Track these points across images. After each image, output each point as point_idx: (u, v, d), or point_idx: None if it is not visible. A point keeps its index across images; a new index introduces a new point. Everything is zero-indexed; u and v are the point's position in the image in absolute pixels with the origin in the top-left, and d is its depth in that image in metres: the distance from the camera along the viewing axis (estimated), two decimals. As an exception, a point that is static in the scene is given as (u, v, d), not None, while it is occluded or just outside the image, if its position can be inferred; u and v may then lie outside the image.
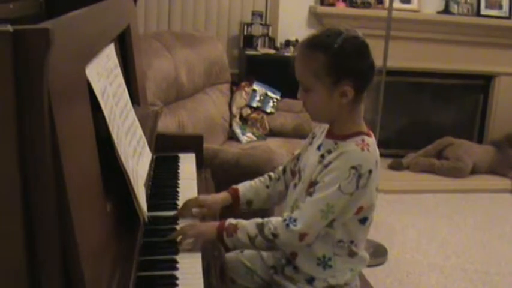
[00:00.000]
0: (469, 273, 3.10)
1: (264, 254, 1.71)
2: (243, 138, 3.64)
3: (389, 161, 4.64)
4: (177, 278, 1.27)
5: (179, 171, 1.94)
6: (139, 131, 1.57)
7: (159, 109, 2.75)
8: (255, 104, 3.88)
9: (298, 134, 3.71)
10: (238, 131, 3.69)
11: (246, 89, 3.90)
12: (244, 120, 3.82)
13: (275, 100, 3.95)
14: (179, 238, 1.44)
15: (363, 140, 1.50)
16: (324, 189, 1.47)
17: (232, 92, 3.95)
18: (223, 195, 1.72)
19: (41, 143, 0.81)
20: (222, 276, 1.50)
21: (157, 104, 2.96)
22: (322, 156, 1.54)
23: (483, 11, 4.65)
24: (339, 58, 1.45)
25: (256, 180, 1.76)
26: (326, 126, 1.61)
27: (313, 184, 1.51)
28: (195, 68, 3.55)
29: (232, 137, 3.70)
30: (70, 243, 0.87)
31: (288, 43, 4.26)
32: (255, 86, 3.93)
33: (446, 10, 4.60)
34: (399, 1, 4.46)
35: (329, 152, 1.52)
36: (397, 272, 3.07)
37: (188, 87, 3.44)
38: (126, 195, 1.28)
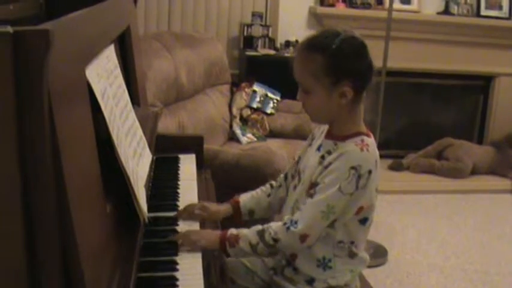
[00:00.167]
0: (469, 274, 3.10)
1: (264, 254, 1.71)
2: (243, 139, 3.64)
3: (389, 161, 4.64)
4: (177, 279, 1.27)
5: (179, 172, 1.94)
6: (140, 132, 1.57)
7: (159, 110, 2.76)
8: (255, 105, 3.88)
9: (299, 134, 3.71)
10: (238, 131, 3.69)
11: (246, 89, 3.90)
12: (244, 121, 3.82)
13: (275, 101, 3.95)
14: (180, 241, 1.44)
15: (362, 140, 1.51)
16: (325, 190, 1.47)
17: (232, 93, 3.95)
18: (225, 207, 1.72)
19: (41, 143, 0.82)
20: (222, 277, 1.50)
21: (157, 105, 2.97)
22: (322, 157, 1.54)
23: (483, 12, 4.65)
24: (337, 59, 1.46)
25: (258, 190, 1.77)
26: (325, 127, 1.61)
27: (313, 185, 1.51)
28: (195, 69, 3.55)
29: (233, 137, 3.70)
30: (70, 243, 0.87)
31: (288, 44, 4.26)
32: (255, 87, 3.93)
33: (446, 11, 4.60)
34: (399, 2, 4.46)
35: (329, 152, 1.53)
36: (397, 272, 3.07)
37: (188, 88, 3.44)
38: (126, 196, 1.28)
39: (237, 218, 1.73)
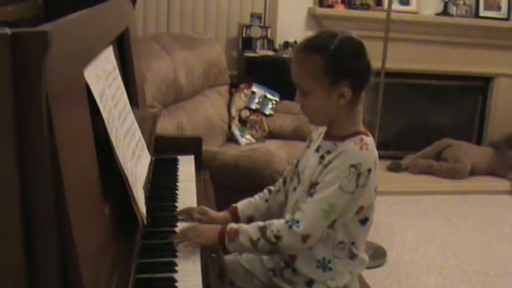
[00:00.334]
0: (468, 274, 3.10)
1: (264, 256, 1.71)
2: (242, 140, 3.64)
3: (388, 162, 4.64)
4: (176, 281, 1.27)
5: (178, 173, 1.94)
6: (138, 133, 1.57)
7: (158, 111, 2.76)
8: (254, 106, 3.88)
9: (297, 136, 3.71)
10: (237, 133, 3.69)
11: (245, 90, 3.90)
12: (243, 122, 3.82)
13: (274, 102, 3.95)
14: (176, 241, 1.44)
15: (361, 140, 1.51)
16: (325, 188, 1.47)
17: (231, 94, 3.95)
18: (223, 214, 1.70)
19: (40, 145, 0.81)
20: (221, 279, 1.50)
21: (156, 106, 2.96)
22: (322, 157, 1.54)
23: (481, 13, 4.66)
24: (336, 59, 1.46)
25: (256, 196, 1.76)
26: (323, 128, 1.62)
27: (313, 185, 1.51)
28: (194, 70, 3.55)
29: (231, 139, 3.69)
30: (68, 244, 0.87)
31: (286, 45, 4.26)
32: (254, 88, 3.93)
33: (445, 12, 4.61)
34: (398, 3, 4.47)
35: (328, 152, 1.53)
36: (396, 273, 3.07)
37: (187, 89, 3.44)
38: (124, 198, 1.28)
39: None
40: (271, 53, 4.23)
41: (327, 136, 1.58)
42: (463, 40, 4.64)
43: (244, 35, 4.24)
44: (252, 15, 4.26)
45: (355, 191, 1.47)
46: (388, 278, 3.02)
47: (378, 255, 3.18)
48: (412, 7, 4.57)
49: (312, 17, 4.45)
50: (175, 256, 1.39)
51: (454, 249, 3.40)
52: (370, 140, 1.53)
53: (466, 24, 4.59)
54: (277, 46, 4.35)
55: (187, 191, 1.81)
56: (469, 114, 5.10)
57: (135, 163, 1.43)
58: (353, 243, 1.57)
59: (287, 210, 1.63)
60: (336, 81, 1.46)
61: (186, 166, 2.01)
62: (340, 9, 4.38)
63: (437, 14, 4.63)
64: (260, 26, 4.26)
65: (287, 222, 1.48)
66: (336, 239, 1.54)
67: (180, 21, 4.19)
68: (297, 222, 1.47)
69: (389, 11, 3.31)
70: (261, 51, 4.20)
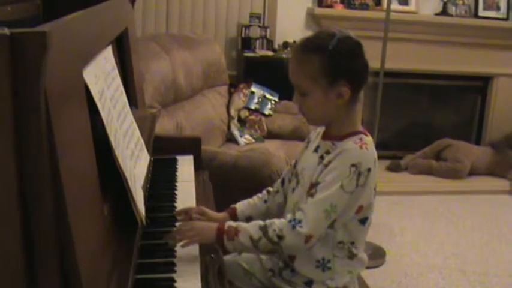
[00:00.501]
0: (468, 275, 3.10)
1: (263, 256, 1.71)
2: (241, 140, 3.63)
3: (387, 162, 4.64)
4: (175, 281, 1.27)
5: (177, 173, 1.94)
6: (137, 133, 1.57)
7: (157, 111, 2.76)
8: (253, 106, 3.88)
9: (297, 136, 3.71)
10: (236, 133, 3.69)
11: (244, 90, 3.90)
12: (242, 122, 3.81)
13: (273, 102, 3.95)
14: (172, 242, 1.43)
15: (360, 139, 1.51)
16: (326, 188, 1.46)
17: (230, 94, 3.95)
18: (222, 215, 1.70)
19: (39, 145, 0.81)
20: (220, 279, 1.50)
21: (155, 106, 2.96)
22: (322, 157, 1.54)
23: (481, 13, 4.66)
24: (334, 59, 1.46)
25: (254, 197, 1.76)
26: (321, 129, 1.62)
27: (314, 185, 1.50)
28: (193, 70, 3.55)
29: (231, 139, 3.69)
30: (67, 245, 0.87)
31: (286, 45, 4.26)
32: (253, 88, 3.93)
33: (444, 12, 4.61)
34: (397, 3, 4.47)
35: (327, 152, 1.53)
36: (396, 273, 3.07)
37: (186, 89, 3.44)
38: (124, 198, 1.28)
39: None
40: (270, 53, 4.23)
41: (326, 136, 1.58)
42: (462, 40, 4.64)
43: (243, 35, 4.24)
44: (251, 16, 4.26)
45: (355, 191, 1.47)
46: (388, 278, 3.01)
47: (377, 255, 3.18)
48: (411, 7, 4.57)
49: (311, 17, 4.45)
50: (175, 256, 1.38)
51: (454, 249, 3.40)
52: (369, 140, 1.53)
53: (465, 24, 4.59)
54: (276, 46, 4.35)
55: (186, 191, 1.81)
56: (468, 114, 5.10)
57: (134, 163, 1.43)
58: (352, 243, 1.57)
59: (286, 211, 1.63)
60: (334, 80, 1.47)
61: (185, 166, 2.01)
62: (339, 9, 4.38)
63: (436, 14, 4.63)
64: (259, 26, 4.26)
65: (290, 221, 1.47)
66: (335, 238, 1.54)
67: (179, 22, 4.19)
68: (299, 222, 1.46)
69: (388, 11, 3.30)
70: (260, 51, 4.20)
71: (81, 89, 1.06)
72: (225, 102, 3.90)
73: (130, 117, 1.52)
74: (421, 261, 3.23)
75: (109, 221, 1.16)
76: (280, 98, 3.97)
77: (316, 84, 1.47)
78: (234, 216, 1.70)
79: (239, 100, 3.86)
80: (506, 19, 4.70)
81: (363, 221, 1.56)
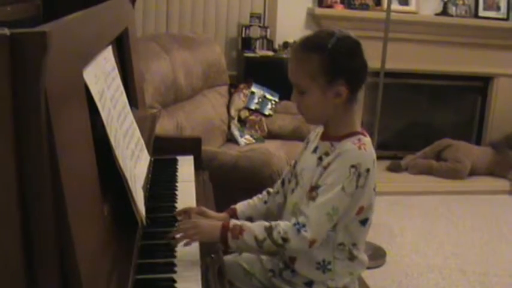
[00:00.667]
0: (468, 275, 3.10)
1: (263, 257, 1.71)
2: (241, 141, 3.63)
3: (387, 162, 4.64)
4: (175, 281, 1.27)
5: (177, 173, 1.94)
6: (137, 133, 1.57)
7: (157, 112, 2.76)
8: (253, 106, 3.88)
9: (297, 136, 3.71)
10: (236, 133, 3.69)
11: (244, 91, 3.90)
12: (242, 122, 3.81)
13: (273, 102, 3.95)
14: (174, 242, 1.43)
15: (359, 140, 1.51)
16: (328, 191, 1.46)
17: (230, 94, 3.95)
18: (222, 215, 1.69)
19: (39, 145, 0.81)
20: (220, 279, 1.49)
21: (156, 107, 2.96)
22: (320, 158, 1.54)
23: (481, 13, 4.66)
24: (333, 57, 1.46)
25: (254, 197, 1.76)
26: (320, 129, 1.62)
27: (314, 188, 1.50)
28: (193, 70, 3.55)
29: (231, 139, 3.69)
30: (67, 245, 0.87)
31: (286, 45, 4.26)
32: (253, 88, 3.93)
33: (444, 12, 4.61)
34: (397, 3, 4.46)
35: (326, 154, 1.53)
36: (396, 274, 3.07)
37: (186, 90, 3.44)
38: (124, 198, 1.28)
39: None
40: (270, 53, 4.23)
41: (324, 136, 1.58)
42: (463, 40, 4.64)
43: (243, 35, 4.24)
44: (252, 16, 4.26)
45: (355, 192, 1.47)
46: (388, 278, 3.01)
47: (377, 255, 3.18)
48: (412, 7, 4.57)
49: (311, 17, 4.45)
50: (175, 256, 1.38)
51: (454, 249, 3.40)
52: (367, 140, 1.53)
53: (466, 24, 4.59)
54: (276, 46, 4.35)
55: (186, 191, 1.81)
56: (468, 114, 5.10)
57: (134, 163, 1.43)
58: (354, 245, 1.57)
59: (286, 214, 1.63)
60: (332, 79, 1.47)
61: (186, 166, 2.01)
62: (339, 10, 4.38)
63: (436, 14, 4.63)
64: (259, 26, 4.26)
65: (295, 225, 1.46)
66: (336, 240, 1.54)
67: (179, 22, 4.19)
68: (304, 226, 1.45)
69: (388, 11, 3.30)
70: (261, 52, 4.20)
71: (81, 89, 1.06)
72: (225, 102, 3.90)
73: (130, 117, 1.52)
74: (421, 261, 3.23)
75: (109, 221, 1.16)
76: (280, 98, 3.97)
77: (315, 82, 1.47)
78: (234, 217, 1.70)
79: (239, 100, 3.86)
80: (507, 19, 4.70)
81: (364, 221, 1.56)
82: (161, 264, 1.34)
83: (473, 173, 4.59)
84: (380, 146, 3.67)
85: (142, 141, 1.60)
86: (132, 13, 2.06)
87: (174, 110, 3.26)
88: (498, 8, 4.69)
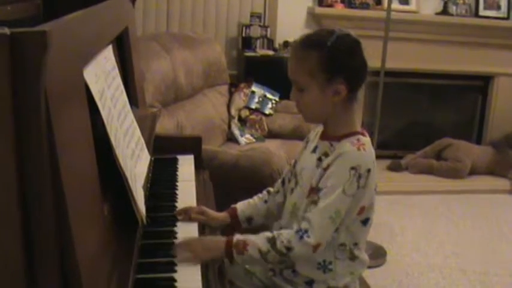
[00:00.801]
0: (468, 274, 3.10)
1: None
2: (242, 140, 3.63)
3: (388, 162, 4.64)
4: (175, 280, 1.27)
5: (177, 173, 1.94)
6: (138, 132, 1.57)
7: (158, 111, 2.76)
8: (253, 106, 3.88)
9: (297, 135, 3.70)
10: (236, 132, 3.69)
11: (245, 90, 3.90)
12: (242, 121, 3.81)
13: (274, 101, 3.95)
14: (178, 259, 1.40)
15: (358, 140, 1.51)
16: (329, 195, 1.46)
17: (230, 94, 3.95)
18: (222, 215, 1.70)
19: (39, 144, 0.81)
20: (221, 279, 1.50)
21: (156, 106, 2.96)
22: (320, 159, 1.54)
23: (481, 12, 4.65)
24: (333, 55, 1.46)
25: (255, 197, 1.75)
26: (320, 129, 1.62)
27: (315, 190, 1.50)
28: (194, 70, 3.55)
29: (231, 138, 3.69)
30: (68, 244, 0.87)
31: (286, 44, 4.25)
32: (254, 88, 3.93)
33: (445, 11, 4.60)
34: (398, 2, 4.46)
35: (326, 154, 1.53)
36: (396, 273, 3.07)
37: (186, 89, 3.44)
38: (124, 197, 1.28)
39: (236, 226, 1.71)
40: (271, 52, 4.23)
41: (323, 136, 1.58)
42: (463, 39, 4.64)
43: (244, 34, 4.24)
44: (252, 15, 4.26)
45: (356, 193, 1.47)
46: (388, 277, 3.01)
47: (378, 255, 3.18)
48: (412, 6, 4.57)
49: (312, 16, 4.45)
50: (175, 256, 1.38)
51: (454, 249, 3.40)
52: (366, 140, 1.53)
53: (466, 23, 4.59)
54: (277, 45, 4.34)
55: (186, 190, 1.81)
56: (469, 114, 5.10)
57: (135, 163, 1.43)
58: (355, 244, 1.57)
59: (285, 214, 1.63)
60: (331, 77, 1.47)
61: (186, 166, 2.01)
62: (339, 9, 4.38)
63: (437, 14, 4.63)
64: (260, 26, 4.26)
65: (297, 232, 1.46)
66: (337, 241, 1.54)
67: (179, 21, 4.19)
68: (306, 232, 1.45)
69: (389, 10, 3.30)
70: (261, 51, 4.20)
71: (81, 89, 1.06)
72: (226, 101, 3.90)
73: (130, 116, 1.52)
74: (421, 260, 3.23)
75: (109, 221, 1.16)
76: (280, 98, 3.96)
77: (314, 80, 1.47)
78: (234, 217, 1.70)
79: (240, 99, 3.86)
80: (507, 18, 4.69)
81: (365, 221, 1.56)
82: (162, 264, 1.34)
83: (473, 172, 4.59)
84: (380, 146, 3.67)
85: (142, 140, 1.59)
86: (132, 12, 2.06)
87: (175, 109, 3.26)
88: (498, 7, 4.69)
